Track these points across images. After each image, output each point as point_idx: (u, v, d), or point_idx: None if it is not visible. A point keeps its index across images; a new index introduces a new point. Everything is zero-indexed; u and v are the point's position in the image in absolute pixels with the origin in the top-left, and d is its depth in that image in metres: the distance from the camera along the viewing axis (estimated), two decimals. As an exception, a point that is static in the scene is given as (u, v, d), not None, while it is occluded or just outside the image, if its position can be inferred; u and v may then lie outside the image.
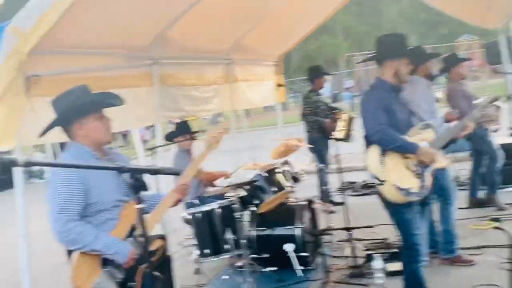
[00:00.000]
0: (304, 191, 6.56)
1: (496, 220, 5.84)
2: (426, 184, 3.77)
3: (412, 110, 3.98)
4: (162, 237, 3.45)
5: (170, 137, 6.03)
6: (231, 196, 5.04)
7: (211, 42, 6.79)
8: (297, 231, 5.13)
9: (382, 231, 5.73)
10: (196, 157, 3.63)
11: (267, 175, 5.39)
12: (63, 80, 4.10)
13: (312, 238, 5.37)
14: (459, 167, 7.87)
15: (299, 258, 5.01)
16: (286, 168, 5.66)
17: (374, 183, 3.73)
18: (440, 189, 4.72)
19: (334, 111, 7.45)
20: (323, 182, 7.52)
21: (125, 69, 5.27)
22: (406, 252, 3.88)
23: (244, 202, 5.21)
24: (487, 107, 4.46)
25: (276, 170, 5.49)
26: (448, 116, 4.82)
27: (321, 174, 7.52)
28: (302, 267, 4.99)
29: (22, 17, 3.49)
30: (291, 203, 5.51)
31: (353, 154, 11.04)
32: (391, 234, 5.32)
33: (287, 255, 5.02)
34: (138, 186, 2.45)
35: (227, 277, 5.23)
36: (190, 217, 5.06)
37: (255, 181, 5.26)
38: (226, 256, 4.97)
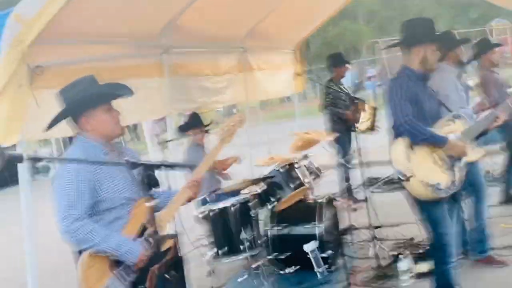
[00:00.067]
0: (325, 187, 6.54)
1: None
2: (456, 180, 3.74)
3: (441, 100, 3.95)
4: (174, 237, 3.47)
5: (181, 131, 6.06)
6: (247, 193, 5.04)
7: (225, 29, 6.79)
8: (317, 230, 5.13)
9: (408, 230, 5.71)
10: (209, 152, 3.63)
11: (285, 170, 5.39)
12: (69, 71, 4.13)
13: (334, 238, 5.36)
14: (491, 160, 7.80)
15: (320, 259, 5.01)
16: (305, 163, 5.65)
17: (400, 179, 3.71)
18: (471, 185, 4.68)
19: (356, 102, 7.41)
20: (345, 178, 7.49)
21: (134, 59, 5.30)
22: (434, 253, 3.86)
23: (261, 199, 5.21)
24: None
25: (295, 165, 5.48)
26: (479, 106, 4.77)
27: (343, 169, 7.49)
28: (323, 269, 4.99)
29: (24, 3, 3.52)
30: (310, 201, 5.51)
31: (377, 148, 10.95)
32: (419, 233, 5.29)
33: (307, 256, 5.02)
34: (149, 183, 2.47)
35: (243, 279, 5.25)
36: (204, 215, 5.08)
37: (272, 177, 5.26)
38: (242, 256, 4.97)
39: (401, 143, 3.67)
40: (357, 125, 6.77)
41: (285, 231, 5.27)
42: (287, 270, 5.16)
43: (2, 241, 9.34)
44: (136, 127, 25.79)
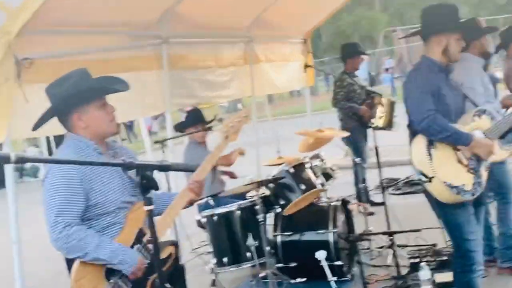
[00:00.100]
0: (338, 189, 6.53)
1: None
2: (481, 181, 3.73)
3: (465, 93, 3.93)
4: (174, 244, 3.47)
5: (181, 128, 6.06)
6: (253, 196, 5.04)
7: (228, 17, 6.79)
8: (330, 236, 5.12)
9: (429, 236, 5.68)
10: (212, 151, 3.63)
11: (294, 171, 5.37)
12: (59, 63, 4.14)
13: (348, 245, 5.35)
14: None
15: (333, 268, 5.00)
16: (316, 162, 5.63)
17: (420, 180, 3.70)
18: (497, 186, 4.66)
19: (372, 96, 7.37)
20: (360, 179, 7.48)
21: (130, 50, 5.31)
22: (458, 261, 3.85)
23: (268, 203, 5.21)
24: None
25: (306, 165, 5.47)
26: (507, 101, 4.75)
27: (358, 170, 7.49)
28: (336, 278, 4.98)
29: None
30: (322, 204, 5.50)
31: (395, 146, 10.92)
32: (440, 240, 5.27)
33: (319, 264, 5.01)
34: (146, 185, 2.46)
35: (249, 289, 5.25)
36: (206, 220, 5.08)
37: (281, 178, 5.25)
38: (247, 265, 4.97)
39: (422, 141, 3.66)
40: (373, 121, 6.74)
41: (295, 237, 5.26)
42: (298, 280, 5.15)
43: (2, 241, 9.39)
44: (132, 125, 25.86)
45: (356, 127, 7.38)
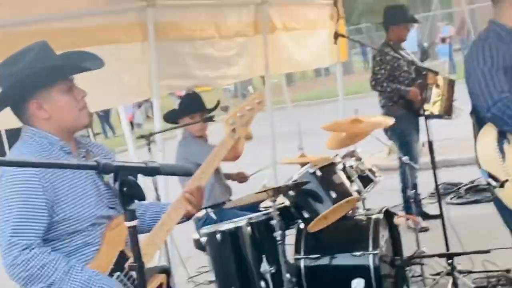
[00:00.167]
0: (380, 198, 6.52)
1: None
2: None
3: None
4: (165, 271, 3.47)
5: (173, 118, 6.05)
6: (268, 207, 5.03)
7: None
8: (370, 260, 5.10)
9: (501, 259, 5.67)
10: (215, 148, 3.62)
11: (322, 174, 5.36)
12: (13, 35, 4.15)
13: (393, 271, 5.35)
14: None
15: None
16: (351, 163, 5.62)
17: (488, 185, 3.68)
18: None
19: (424, 74, 7.35)
20: (409, 184, 7.46)
21: (105, 16, 5.32)
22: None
23: (288, 216, 5.21)
24: None
25: (336, 167, 5.46)
26: None
27: (406, 172, 7.46)
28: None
29: None
30: (359, 217, 5.49)
31: (455, 140, 10.90)
32: (516, 263, 5.27)
33: (354, 296, 5.01)
34: (128, 194, 2.46)
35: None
36: (206, 239, 5.08)
37: (304, 183, 5.25)
38: (261, 297, 4.98)
39: (491, 133, 3.64)
40: (426, 107, 6.72)
41: (324, 261, 5.25)
42: (327, 317, 5.16)
43: None
44: (108, 115, 25.95)
45: (404, 115, 7.35)
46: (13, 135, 3.54)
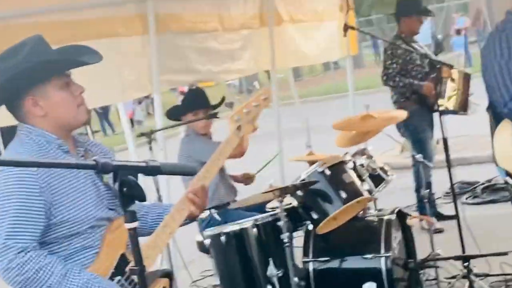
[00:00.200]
0: (392, 198, 6.52)
1: None
2: None
3: None
4: (168, 275, 3.48)
5: (176, 115, 6.05)
6: (274, 208, 5.03)
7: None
8: (382, 263, 5.10)
9: (519, 261, 5.67)
10: (220, 146, 3.62)
11: (331, 173, 5.37)
12: (12, 27, 4.15)
13: (407, 274, 5.34)
14: None
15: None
16: (362, 161, 5.62)
17: (506, 184, 3.68)
18: None
19: (438, 68, 7.34)
20: (422, 183, 7.45)
21: (104, 8, 5.32)
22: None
23: (296, 217, 5.21)
24: None
25: (346, 165, 5.46)
26: None
27: (420, 170, 7.45)
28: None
29: None
30: (371, 218, 5.48)
31: (471, 137, 10.89)
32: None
33: (366, 301, 5.01)
34: (128, 194, 2.46)
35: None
36: (210, 242, 5.09)
37: (312, 182, 5.25)
38: (268, 302, 4.99)
39: (509, 130, 3.64)
40: (441, 102, 6.71)
41: (334, 264, 5.25)
42: (338, 322, 5.16)
43: None
44: (107, 112, 26.00)
45: (417, 111, 7.34)
46: (9, 133, 3.54)
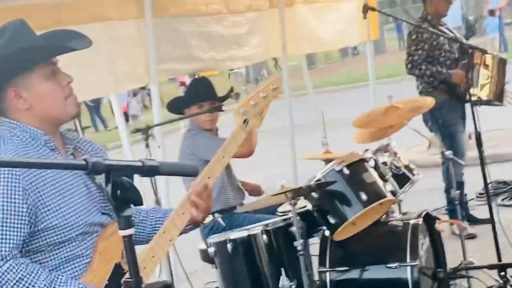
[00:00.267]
0: (419, 200, 6.52)
1: None
2: None
3: None
4: (168, 287, 3.48)
5: (179, 108, 6.04)
6: (287, 212, 5.03)
7: None
8: (408, 272, 5.11)
9: None
10: (224, 143, 3.62)
11: (350, 172, 5.37)
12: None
13: (435, 284, 5.35)
14: None
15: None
16: (384, 158, 5.62)
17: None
18: None
19: (469, 53, 7.34)
20: (453, 183, 7.43)
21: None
22: None
23: (310, 222, 5.21)
24: None
25: (367, 164, 5.46)
26: None
27: (450, 169, 7.43)
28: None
29: None
30: (395, 223, 5.48)
31: (507, 131, 10.87)
32: None
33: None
34: (122, 198, 2.46)
35: None
36: (214, 250, 5.10)
37: (329, 183, 5.25)
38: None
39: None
40: (473, 92, 6.71)
41: (354, 274, 5.25)
42: None
43: None
44: (99, 105, 26.05)
45: (446, 102, 7.33)
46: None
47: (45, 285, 3.00)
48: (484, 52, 7.13)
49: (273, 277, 4.94)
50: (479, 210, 7.70)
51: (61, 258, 3.13)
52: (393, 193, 5.40)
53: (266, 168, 6.42)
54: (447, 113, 7.35)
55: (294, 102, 8.26)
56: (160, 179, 5.68)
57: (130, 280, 2.54)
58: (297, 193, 4.95)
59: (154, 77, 5.87)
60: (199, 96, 5.94)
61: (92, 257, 3.18)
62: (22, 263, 2.99)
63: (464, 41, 7.90)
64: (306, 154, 6.66)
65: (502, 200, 8.48)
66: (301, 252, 4.82)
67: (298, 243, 4.81)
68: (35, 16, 3.35)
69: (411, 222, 5.34)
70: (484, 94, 7.26)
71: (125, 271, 3.16)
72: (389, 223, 5.51)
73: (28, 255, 3.07)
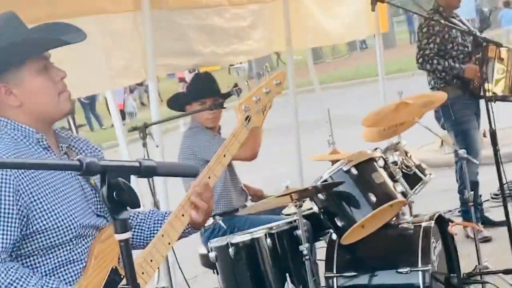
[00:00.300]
0: (430, 201, 6.52)
1: None
2: None
3: None
4: (166, 293, 3.49)
5: (180, 105, 6.04)
6: (292, 214, 5.03)
7: None
8: (419, 278, 5.11)
9: None
10: (225, 141, 3.62)
11: (358, 173, 5.38)
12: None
13: (449, 290, 5.35)
14: None
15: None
16: (394, 158, 5.62)
17: None
18: None
19: (483, 46, 7.34)
20: (467, 184, 7.43)
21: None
22: None
23: (317, 225, 5.22)
24: None
25: (376, 163, 5.46)
26: None
27: (464, 168, 7.43)
28: None
29: None
30: (405, 225, 5.48)
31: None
32: None
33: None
34: (118, 200, 2.47)
35: None
36: (216, 255, 5.10)
37: (336, 184, 5.26)
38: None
39: None
40: (487, 87, 6.71)
41: (362, 279, 5.26)
42: None
43: None
44: (94, 102, 26.07)
45: (459, 98, 7.33)
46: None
47: None
48: (499, 45, 7.12)
49: (277, 283, 4.94)
50: (495, 212, 7.69)
51: (55, 263, 3.12)
52: (404, 194, 5.41)
53: (269, 166, 6.40)
54: (461, 109, 7.34)
55: (299, 99, 8.26)
56: (158, 180, 5.68)
57: (127, 286, 2.55)
58: (302, 194, 4.95)
59: (152, 73, 5.87)
60: (201, 92, 5.92)
61: (87, 261, 3.17)
62: (11, 267, 2.98)
63: (478, 33, 7.89)
64: (311, 153, 6.66)
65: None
66: (307, 257, 4.83)
67: (304, 247, 4.82)
68: (26, 8, 3.35)
69: (423, 224, 5.34)
70: (499, 89, 7.25)
71: (122, 276, 3.15)
72: (400, 226, 5.50)
73: (20, 260, 3.07)
